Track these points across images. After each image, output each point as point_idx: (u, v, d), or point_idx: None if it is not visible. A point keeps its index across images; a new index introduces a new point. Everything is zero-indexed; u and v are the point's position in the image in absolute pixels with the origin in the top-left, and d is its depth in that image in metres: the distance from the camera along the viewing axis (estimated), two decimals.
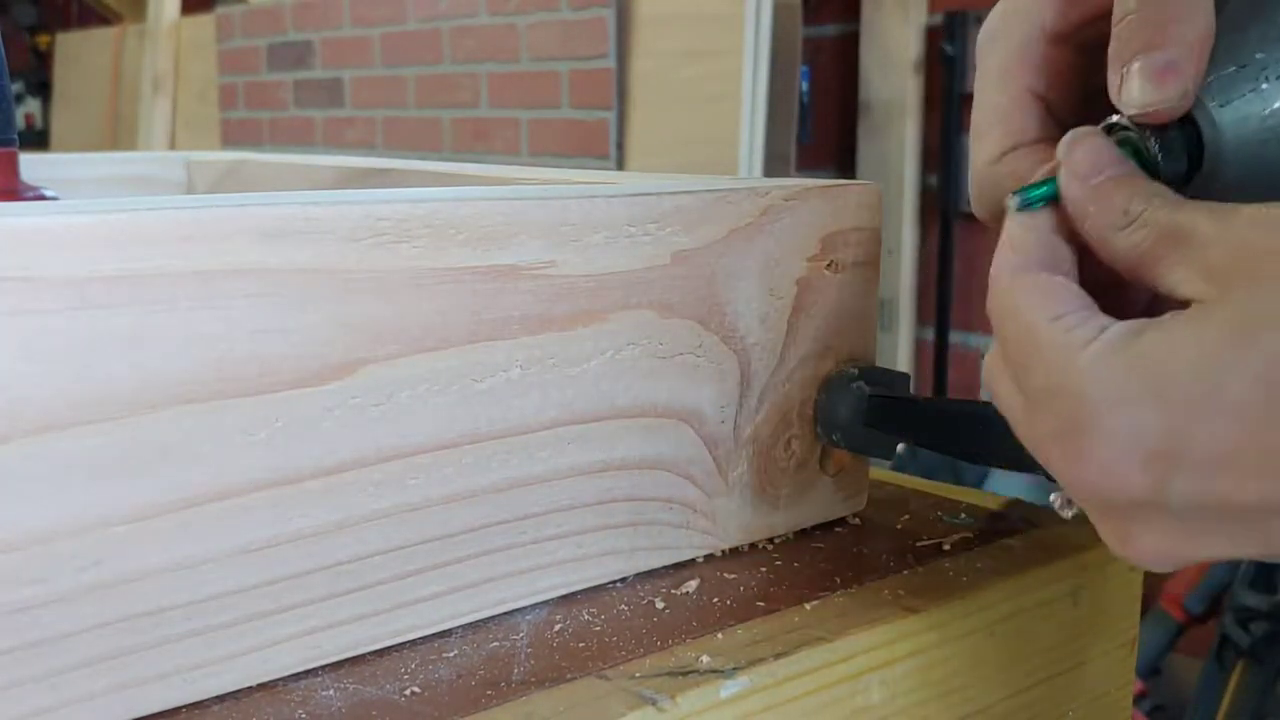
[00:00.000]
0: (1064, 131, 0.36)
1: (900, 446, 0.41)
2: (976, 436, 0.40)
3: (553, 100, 2.14)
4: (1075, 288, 0.31)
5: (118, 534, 0.28)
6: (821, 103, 2.12)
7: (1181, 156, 0.32)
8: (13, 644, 0.27)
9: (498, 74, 2.25)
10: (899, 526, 0.44)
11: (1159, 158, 0.32)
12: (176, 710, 0.30)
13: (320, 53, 2.66)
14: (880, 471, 0.48)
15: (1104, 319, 0.30)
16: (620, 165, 2.03)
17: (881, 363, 0.45)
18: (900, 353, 2.05)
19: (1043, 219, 0.32)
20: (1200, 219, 0.29)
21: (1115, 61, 0.32)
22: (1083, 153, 0.32)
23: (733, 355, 0.40)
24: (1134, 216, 0.30)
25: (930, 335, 2.05)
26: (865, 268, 0.43)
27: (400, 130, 2.48)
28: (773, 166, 1.89)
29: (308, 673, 0.32)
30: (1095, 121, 0.34)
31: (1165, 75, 0.31)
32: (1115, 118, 0.33)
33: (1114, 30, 0.32)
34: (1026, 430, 0.31)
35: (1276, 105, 0.32)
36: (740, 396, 0.40)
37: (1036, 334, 0.30)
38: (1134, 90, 0.32)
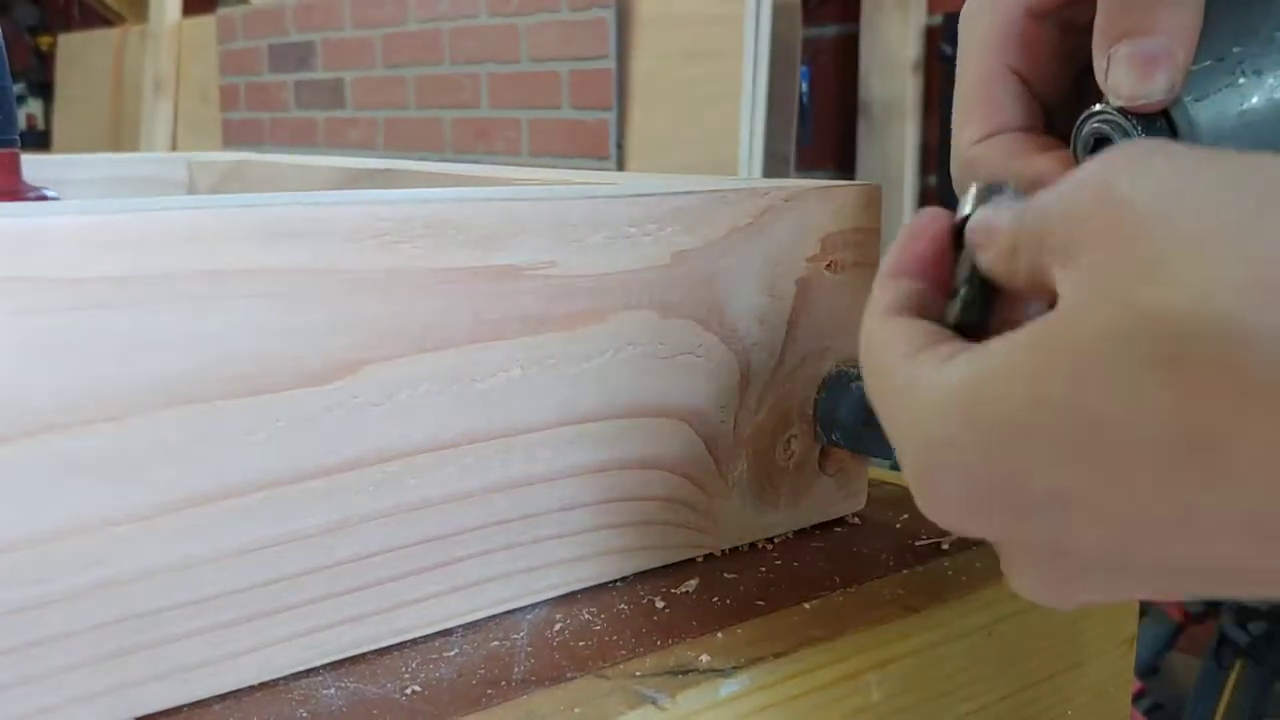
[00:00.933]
0: (1047, 115, 0.34)
1: None
2: None
3: (553, 100, 2.14)
4: (935, 327, 0.28)
5: (118, 534, 0.28)
6: (821, 103, 2.12)
7: None
8: (13, 644, 0.27)
9: (498, 74, 2.25)
10: (899, 526, 0.44)
11: None
12: (176, 710, 0.30)
13: (321, 54, 2.66)
14: (880, 471, 0.48)
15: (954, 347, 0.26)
16: (620, 165, 2.03)
17: None
18: None
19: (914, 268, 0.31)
20: (1047, 198, 0.24)
21: (1100, 42, 0.30)
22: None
23: (733, 355, 0.40)
24: (1014, 238, 0.26)
25: None
26: (865, 268, 0.43)
27: (401, 131, 2.48)
28: (773, 166, 1.89)
29: (308, 672, 0.32)
30: (1079, 105, 0.32)
31: (1152, 64, 0.29)
32: (1097, 106, 0.32)
33: (1099, 7, 0.30)
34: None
35: (1254, 101, 0.30)
36: (740, 396, 0.40)
37: (892, 373, 0.27)
38: (1119, 78, 0.30)
